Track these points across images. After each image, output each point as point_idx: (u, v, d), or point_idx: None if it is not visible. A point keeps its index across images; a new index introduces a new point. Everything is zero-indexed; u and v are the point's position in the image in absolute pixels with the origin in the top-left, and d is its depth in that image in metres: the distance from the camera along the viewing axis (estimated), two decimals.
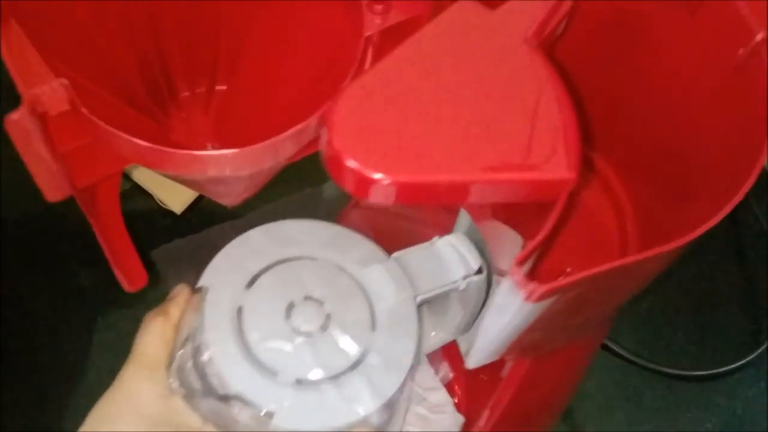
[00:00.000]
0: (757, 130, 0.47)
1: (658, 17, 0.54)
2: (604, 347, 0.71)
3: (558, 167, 0.43)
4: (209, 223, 0.73)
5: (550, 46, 0.51)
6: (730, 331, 0.74)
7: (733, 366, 0.70)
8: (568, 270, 0.64)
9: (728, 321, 0.74)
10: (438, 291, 0.50)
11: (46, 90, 0.42)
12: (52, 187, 0.47)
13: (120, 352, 0.46)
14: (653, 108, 0.58)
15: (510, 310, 0.43)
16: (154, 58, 0.59)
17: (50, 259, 0.72)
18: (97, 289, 0.70)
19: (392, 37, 0.49)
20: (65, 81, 0.43)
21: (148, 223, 0.73)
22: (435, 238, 0.52)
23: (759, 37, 0.47)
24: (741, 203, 0.74)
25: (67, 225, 0.72)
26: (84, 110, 0.44)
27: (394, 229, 0.68)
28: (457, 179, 0.42)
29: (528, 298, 0.41)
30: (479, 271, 0.50)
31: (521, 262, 0.41)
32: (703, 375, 0.71)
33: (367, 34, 0.49)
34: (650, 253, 0.42)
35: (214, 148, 0.59)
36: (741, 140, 0.49)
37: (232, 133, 0.60)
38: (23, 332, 0.69)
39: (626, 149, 0.63)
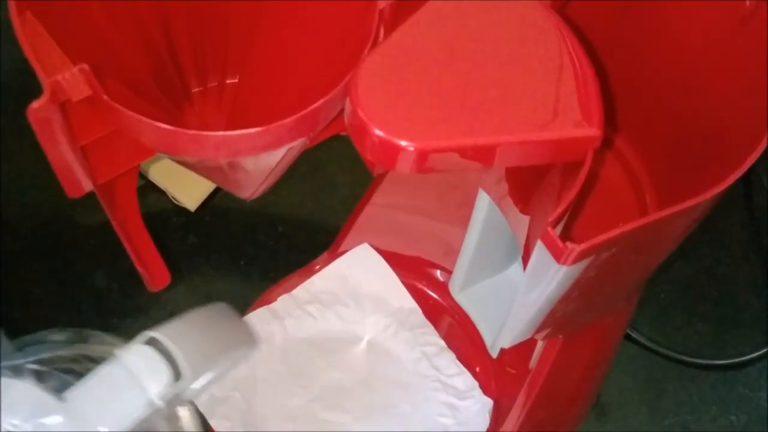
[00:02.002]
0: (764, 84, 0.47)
1: None
2: (626, 337, 0.70)
3: (582, 124, 0.43)
4: (223, 221, 0.73)
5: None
6: (750, 321, 0.73)
7: (755, 354, 0.69)
8: None
9: (748, 310, 0.73)
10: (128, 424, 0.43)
11: (67, 76, 0.42)
12: (73, 182, 0.47)
13: None
14: (666, 77, 0.58)
15: (545, 277, 0.43)
16: (166, 54, 0.59)
17: (63, 262, 0.71)
18: (111, 291, 0.69)
19: (406, 9, 0.49)
20: (86, 67, 0.43)
21: (162, 220, 0.72)
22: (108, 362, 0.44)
23: None
24: (760, 190, 0.74)
25: (79, 229, 0.71)
26: (105, 97, 0.44)
27: (411, 227, 0.68)
28: (482, 142, 0.42)
29: (565, 260, 0.41)
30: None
31: (555, 223, 0.41)
32: (725, 364, 0.70)
33: (381, 6, 0.48)
34: (678, 207, 0.42)
35: None
36: (751, 98, 0.49)
37: (246, 126, 0.59)
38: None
39: (642, 125, 0.63)
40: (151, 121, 0.44)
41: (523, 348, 0.59)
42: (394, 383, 0.63)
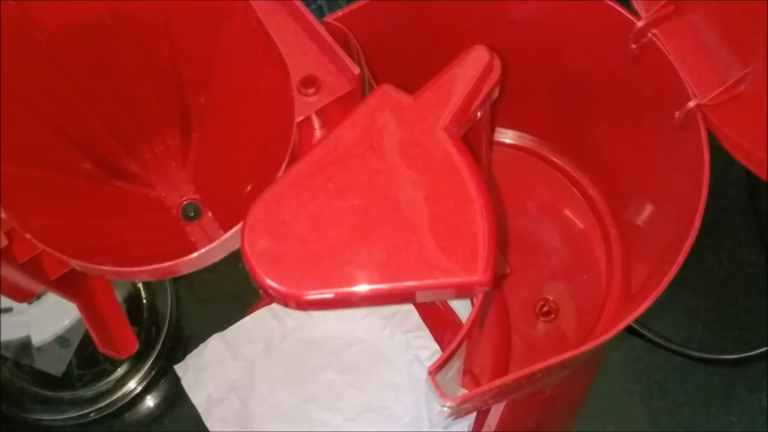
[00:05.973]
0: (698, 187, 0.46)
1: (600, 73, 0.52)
2: (633, 332, 0.70)
3: (471, 270, 0.42)
4: None
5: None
6: (752, 321, 0.72)
7: (759, 351, 0.69)
8: (551, 298, 0.64)
9: (749, 310, 0.72)
10: None
11: None
12: (20, 295, 0.49)
13: None
14: (615, 143, 0.57)
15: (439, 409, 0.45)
16: (124, 118, 0.59)
17: None
18: None
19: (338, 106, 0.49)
20: (2, 215, 0.44)
21: None
22: None
23: (692, 104, 0.45)
24: (762, 190, 0.72)
25: None
26: (28, 235, 0.45)
27: None
28: (366, 293, 0.42)
29: (443, 406, 0.42)
30: None
31: (434, 372, 0.42)
32: (732, 359, 0.70)
33: (299, 118, 0.48)
34: (559, 359, 0.42)
35: (193, 200, 0.61)
36: (686, 196, 0.48)
37: (210, 180, 0.61)
38: None
39: (606, 170, 0.61)
40: (87, 264, 0.45)
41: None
42: (386, 385, 0.65)
